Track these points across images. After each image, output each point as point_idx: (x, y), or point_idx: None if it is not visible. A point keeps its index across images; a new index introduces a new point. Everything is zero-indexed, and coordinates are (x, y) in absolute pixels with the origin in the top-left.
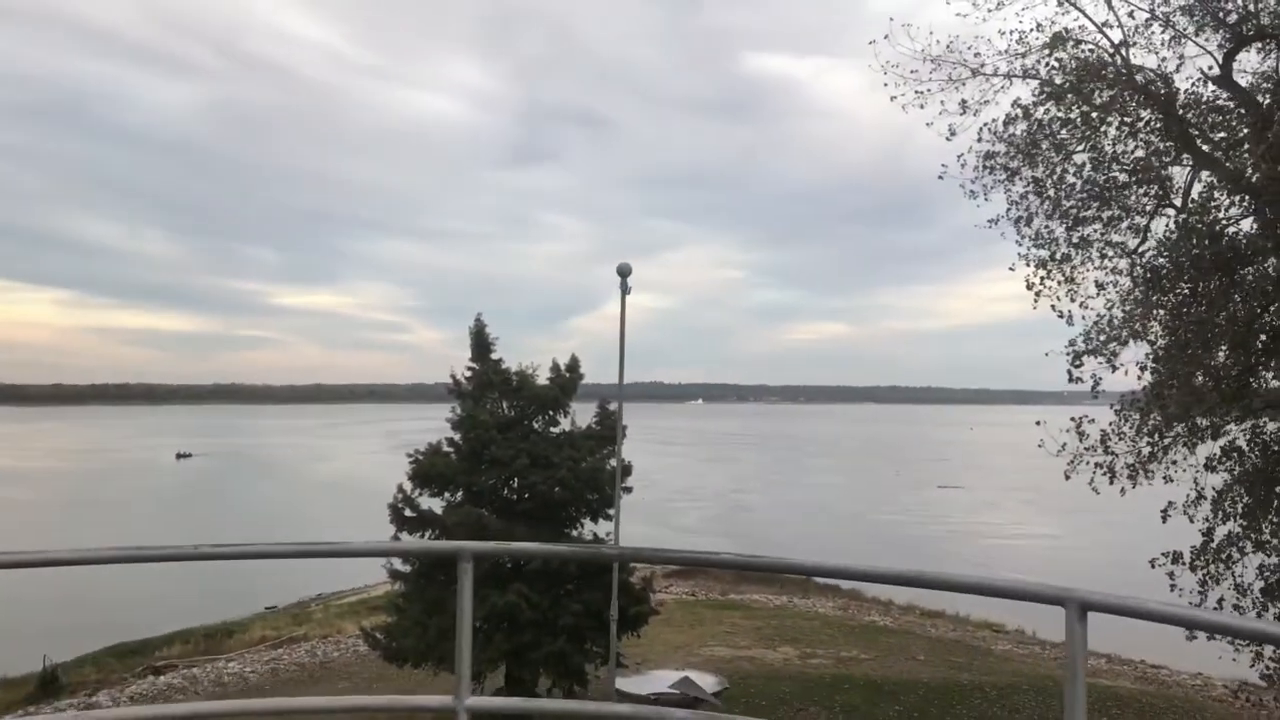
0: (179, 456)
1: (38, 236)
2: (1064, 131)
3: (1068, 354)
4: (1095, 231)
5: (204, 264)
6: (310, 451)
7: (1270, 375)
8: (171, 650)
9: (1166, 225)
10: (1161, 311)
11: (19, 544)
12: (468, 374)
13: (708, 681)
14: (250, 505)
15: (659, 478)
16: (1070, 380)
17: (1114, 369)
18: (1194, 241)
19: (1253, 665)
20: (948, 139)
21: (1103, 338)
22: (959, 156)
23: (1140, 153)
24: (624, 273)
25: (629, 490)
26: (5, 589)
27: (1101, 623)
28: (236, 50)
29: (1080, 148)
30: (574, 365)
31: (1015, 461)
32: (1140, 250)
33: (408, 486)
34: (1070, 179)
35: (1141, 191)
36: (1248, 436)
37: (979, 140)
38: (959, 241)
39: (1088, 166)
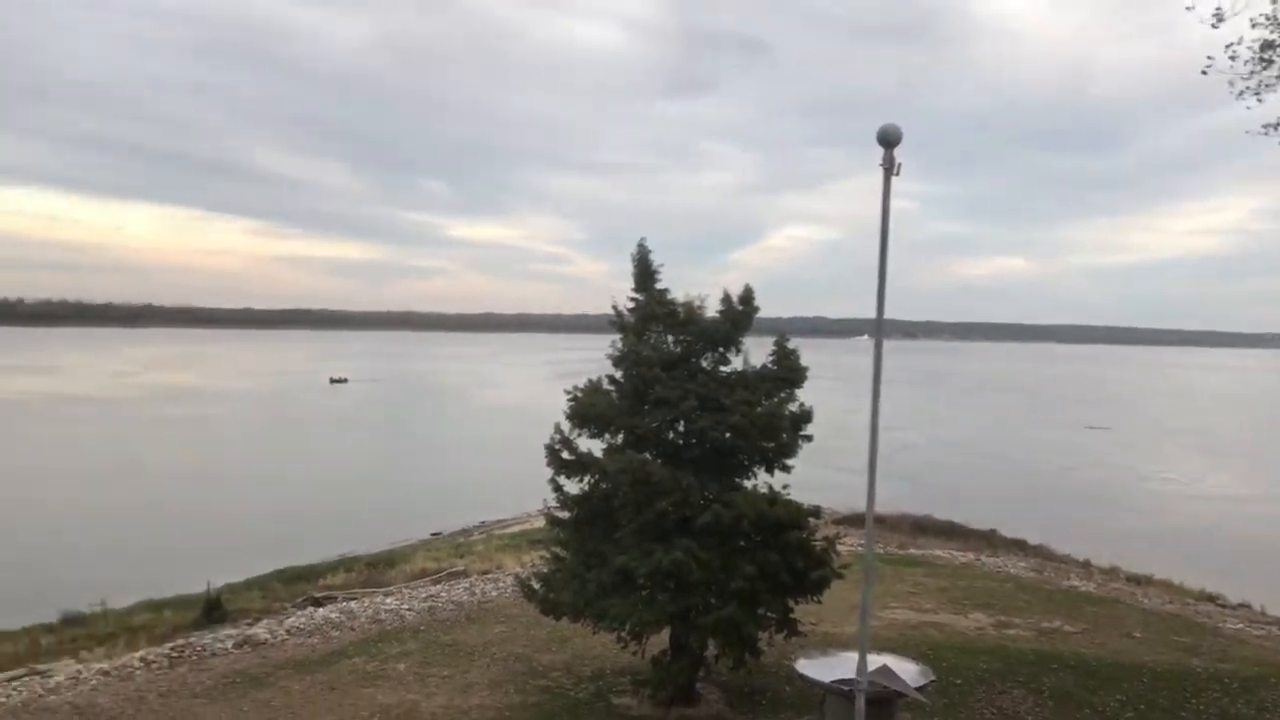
0: (333, 381)
1: (219, 167)
2: None
3: None
4: None
5: (380, 195)
6: (479, 378)
7: None
8: (335, 578)
9: None
10: None
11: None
12: (630, 305)
13: (909, 671)
14: (422, 430)
15: (817, 415)
16: None
17: None
18: None
19: None
20: (1214, 26)
21: None
22: (1228, 47)
23: None
24: (891, 139)
25: (809, 439)
26: (173, 506)
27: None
28: None
29: None
30: (748, 297)
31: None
32: None
33: (565, 427)
34: None
35: None
36: None
37: (1252, 27)
38: (1149, 170)
39: None
